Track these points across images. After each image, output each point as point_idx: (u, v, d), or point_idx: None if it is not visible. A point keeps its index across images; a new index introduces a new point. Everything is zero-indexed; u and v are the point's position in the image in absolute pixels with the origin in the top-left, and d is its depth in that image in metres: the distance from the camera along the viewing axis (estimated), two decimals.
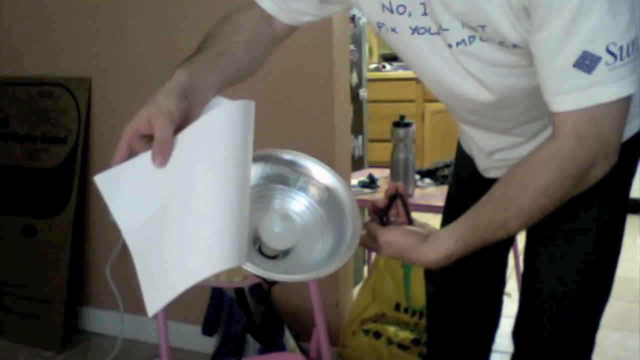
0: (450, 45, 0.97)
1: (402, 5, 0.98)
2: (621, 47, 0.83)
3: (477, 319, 1.41)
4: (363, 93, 3.00)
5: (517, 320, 1.23)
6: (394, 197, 1.04)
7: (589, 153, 0.87)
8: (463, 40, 0.96)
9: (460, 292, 1.38)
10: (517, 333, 1.23)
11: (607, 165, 0.90)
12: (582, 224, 1.10)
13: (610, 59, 0.83)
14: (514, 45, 0.92)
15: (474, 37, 0.95)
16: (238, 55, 1.04)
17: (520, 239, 1.42)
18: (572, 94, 0.85)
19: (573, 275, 1.11)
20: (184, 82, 0.90)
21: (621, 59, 0.83)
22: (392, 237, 1.00)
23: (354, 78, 2.83)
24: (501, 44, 0.93)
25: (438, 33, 0.98)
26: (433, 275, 1.41)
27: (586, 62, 0.83)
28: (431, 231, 1.02)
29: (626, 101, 0.86)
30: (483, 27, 0.91)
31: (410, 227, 1.03)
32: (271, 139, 2.12)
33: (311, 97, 2.11)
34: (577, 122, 0.86)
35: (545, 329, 1.15)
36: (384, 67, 4.86)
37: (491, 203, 0.93)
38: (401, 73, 4.75)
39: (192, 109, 0.90)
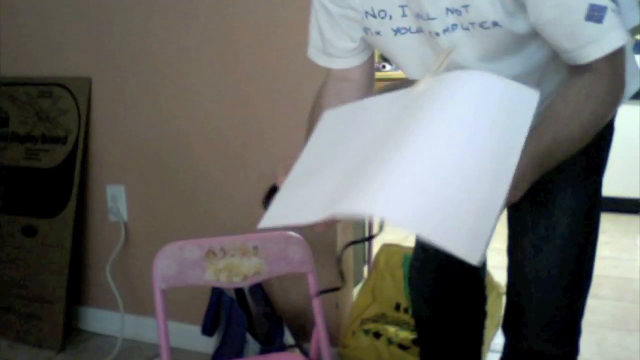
0: (437, 34, 1.05)
1: (382, 11, 1.09)
2: None
3: (465, 322, 1.46)
4: None
5: (505, 313, 1.27)
6: None
7: (623, 83, 1.01)
8: (447, 29, 1.04)
9: (447, 293, 1.42)
10: (507, 325, 1.27)
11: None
12: (560, 208, 1.15)
13: (612, 4, 0.94)
14: (495, 24, 0.99)
15: (456, 25, 1.03)
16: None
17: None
18: (593, 45, 0.95)
19: (555, 259, 1.16)
20: None
21: (616, 4, 0.95)
22: None
23: None
24: (482, 25, 1.00)
25: (418, 31, 1.08)
26: (420, 287, 1.46)
27: (595, 14, 0.93)
28: None
29: None
30: (467, 7, 0.99)
31: None
32: (271, 138, 2.13)
33: (311, 97, 2.11)
34: (609, 64, 0.97)
35: (533, 316, 1.20)
36: (384, 67, 4.85)
37: (552, 118, 1.00)
38: (401, 73, 4.72)
39: None
